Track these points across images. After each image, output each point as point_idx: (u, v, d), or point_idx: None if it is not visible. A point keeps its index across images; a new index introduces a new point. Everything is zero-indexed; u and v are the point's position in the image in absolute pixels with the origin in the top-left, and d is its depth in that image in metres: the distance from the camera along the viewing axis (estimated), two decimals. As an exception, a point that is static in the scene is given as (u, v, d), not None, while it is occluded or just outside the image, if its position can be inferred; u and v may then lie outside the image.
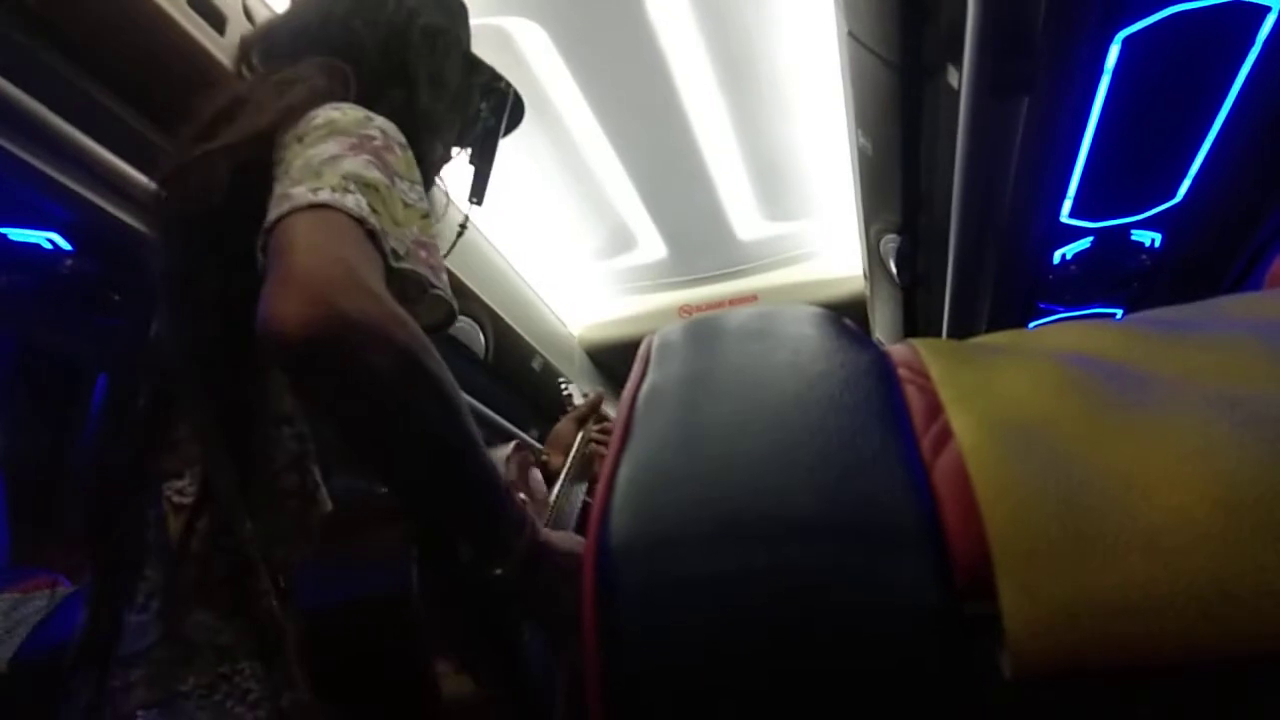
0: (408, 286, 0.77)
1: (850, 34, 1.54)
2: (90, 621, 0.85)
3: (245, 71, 1.08)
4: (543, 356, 2.75)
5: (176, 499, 0.83)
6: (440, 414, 0.71)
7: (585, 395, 1.39)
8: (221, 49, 1.38)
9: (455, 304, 0.84)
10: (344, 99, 0.92)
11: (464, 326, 2.40)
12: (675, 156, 2.33)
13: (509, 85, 1.27)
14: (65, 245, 1.59)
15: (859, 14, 1.50)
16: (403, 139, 0.88)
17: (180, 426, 0.86)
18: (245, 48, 1.09)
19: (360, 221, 0.73)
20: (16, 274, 1.60)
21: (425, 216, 0.83)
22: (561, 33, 1.91)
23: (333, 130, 0.82)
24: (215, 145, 0.86)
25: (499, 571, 0.79)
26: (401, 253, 0.76)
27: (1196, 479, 0.30)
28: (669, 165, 2.37)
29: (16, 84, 1.19)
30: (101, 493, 0.90)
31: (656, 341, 0.47)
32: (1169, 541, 0.28)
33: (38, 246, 1.58)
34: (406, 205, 0.81)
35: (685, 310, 2.88)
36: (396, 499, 0.78)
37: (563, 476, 1.29)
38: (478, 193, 1.29)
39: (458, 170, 1.25)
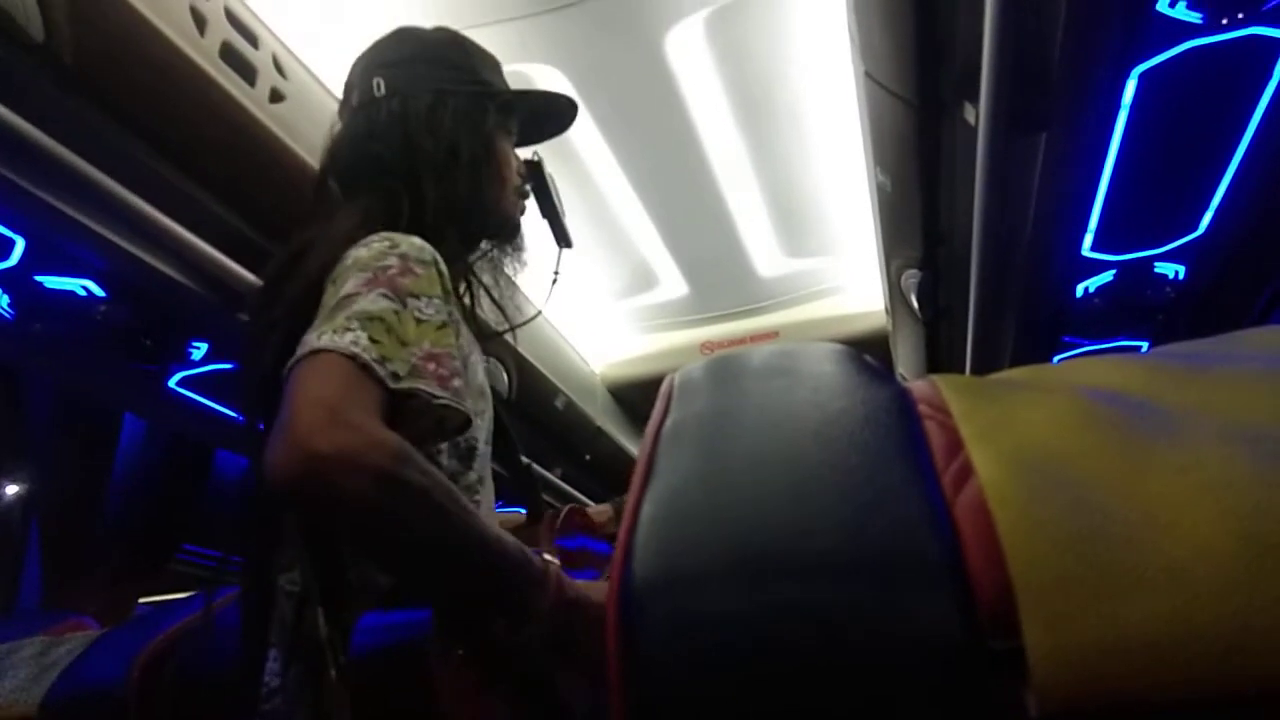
0: (415, 401, 0.85)
1: (868, 74, 1.56)
2: (241, 680, 0.98)
3: (328, 193, 1.18)
4: (566, 395, 2.76)
5: (289, 588, 0.97)
6: (428, 519, 0.78)
7: None
8: (253, 100, 1.42)
9: (467, 409, 0.91)
10: (386, 225, 1.01)
11: (489, 366, 2.41)
12: (695, 195, 2.34)
13: (537, 156, 1.34)
14: (99, 292, 1.62)
15: (876, 54, 1.51)
16: (427, 257, 0.96)
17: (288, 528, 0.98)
18: (323, 173, 1.18)
19: (352, 357, 0.81)
20: (52, 321, 1.63)
21: (441, 328, 0.91)
22: (581, 77, 1.94)
23: (358, 268, 0.92)
24: (269, 319, 0.98)
25: (528, 634, 0.85)
26: (403, 373, 0.84)
27: (1218, 514, 0.30)
28: (689, 204, 2.38)
29: (51, 135, 1.23)
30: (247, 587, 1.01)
31: (678, 380, 0.47)
32: (1191, 577, 0.28)
33: (73, 294, 1.61)
34: (420, 321, 0.89)
35: (707, 347, 2.88)
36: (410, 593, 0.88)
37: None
38: (562, 238, 1.42)
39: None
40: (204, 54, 1.32)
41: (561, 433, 2.89)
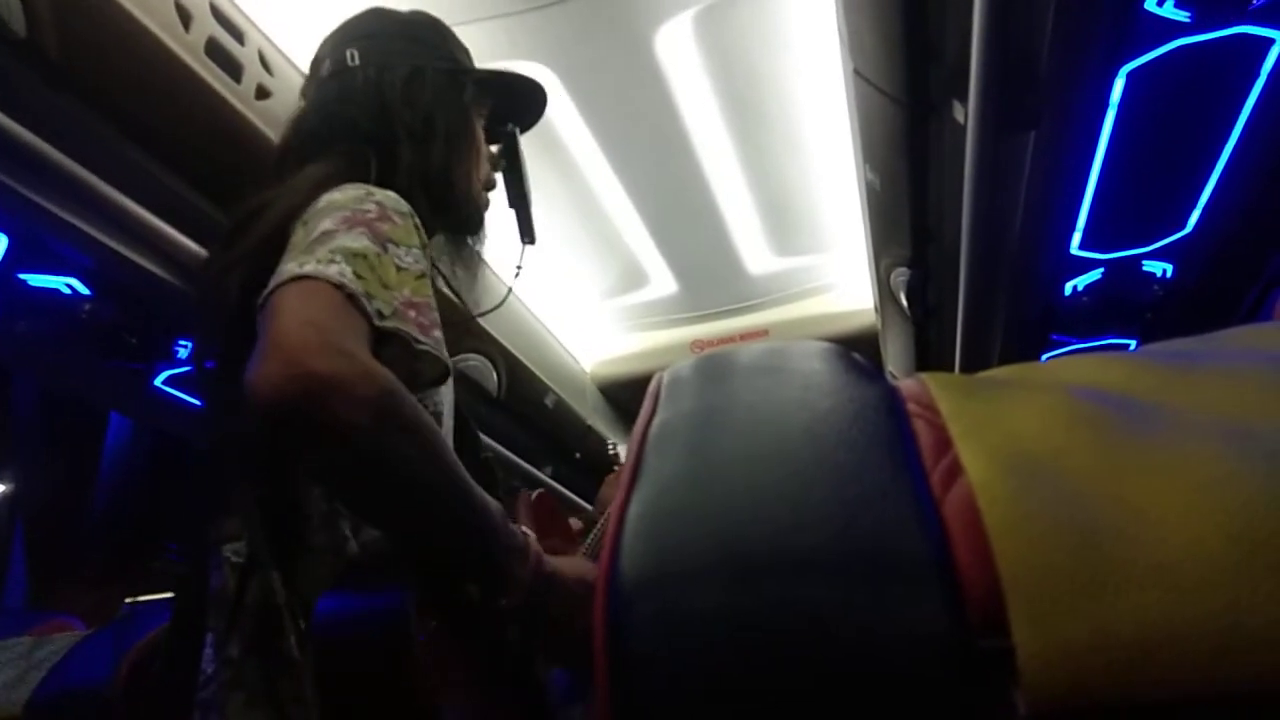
0: (395, 345, 0.82)
1: (857, 72, 1.56)
2: (172, 668, 0.93)
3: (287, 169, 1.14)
4: (555, 393, 2.76)
5: (234, 559, 0.91)
6: (419, 459, 0.75)
7: None
8: (237, 96, 1.41)
9: (447, 360, 0.88)
10: (353, 180, 0.98)
11: (477, 364, 2.41)
12: (685, 193, 2.35)
13: (513, 126, 1.30)
14: (84, 290, 1.61)
15: (865, 52, 1.51)
16: (404, 209, 0.94)
17: (233, 493, 0.94)
18: (284, 148, 1.15)
19: (339, 287, 0.78)
20: (36, 319, 1.62)
21: (420, 278, 0.89)
22: (570, 75, 1.93)
23: (332, 209, 0.89)
24: (231, 258, 0.95)
25: (504, 603, 0.82)
26: (387, 313, 0.81)
27: (1208, 512, 0.30)
28: (679, 202, 2.39)
29: (36, 132, 1.22)
30: (187, 557, 0.98)
31: (667, 378, 0.47)
32: (1181, 575, 0.28)
33: (57, 292, 1.60)
34: (400, 269, 0.86)
35: (697, 345, 2.88)
36: (393, 546, 0.84)
37: (599, 525, 1.30)
38: (526, 232, 1.37)
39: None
40: (189, 50, 1.31)
41: (551, 431, 2.89)
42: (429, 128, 1.11)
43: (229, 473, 0.94)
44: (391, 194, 0.95)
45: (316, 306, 0.76)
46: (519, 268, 1.37)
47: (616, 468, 1.42)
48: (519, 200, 1.34)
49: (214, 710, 0.87)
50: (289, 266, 0.80)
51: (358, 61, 1.13)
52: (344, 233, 0.84)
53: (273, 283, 0.79)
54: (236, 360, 0.90)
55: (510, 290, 1.42)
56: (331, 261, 0.80)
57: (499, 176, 1.29)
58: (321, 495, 0.90)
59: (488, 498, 0.82)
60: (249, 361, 0.72)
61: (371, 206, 0.90)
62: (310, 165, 1.03)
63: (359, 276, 0.80)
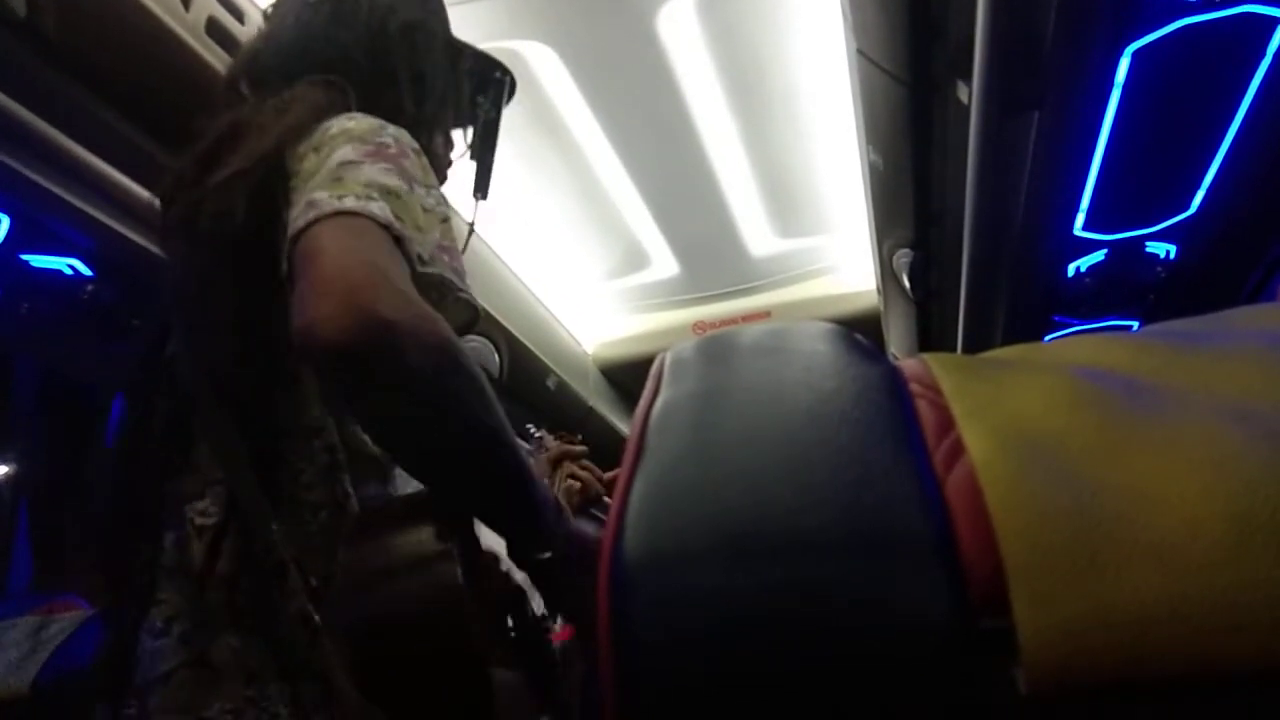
0: (432, 291, 0.78)
1: (860, 51, 1.55)
2: (106, 649, 0.84)
3: (238, 98, 1.05)
4: (558, 375, 2.76)
5: (199, 520, 0.83)
6: (479, 406, 0.73)
7: (556, 438, 1.33)
8: (238, 76, 1.40)
9: (479, 305, 0.85)
10: (346, 111, 0.93)
11: (478, 346, 2.41)
12: (687, 174, 2.34)
13: (504, 72, 1.25)
14: (86, 271, 1.61)
15: (868, 32, 1.50)
16: (415, 144, 0.89)
17: (199, 448, 0.86)
18: (232, 76, 1.08)
19: (386, 227, 0.74)
20: (38, 301, 1.62)
21: (445, 220, 0.84)
22: (573, 55, 1.92)
23: (349, 137, 0.84)
24: (227, 172, 0.86)
25: (547, 555, 0.80)
26: (426, 257, 0.77)
27: (1208, 492, 0.30)
28: (681, 183, 2.38)
29: (37, 113, 1.21)
30: (118, 517, 0.91)
31: (669, 359, 0.47)
32: (1181, 554, 0.28)
33: (59, 273, 1.60)
34: (426, 210, 0.82)
35: (699, 327, 2.88)
36: (437, 496, 0.79)
37: None
38: (481, 187, 1.28)
39: (460, 167, 1.24)
40: (189, 29, 1.31)
41: (553, 413, 2.89)
42: (423, 83, 1.07)
43: (200, 421, 0.86)
44: (401, 129, 0.89)
45: (368, 244, 0.72)
46: (471, 225, 1.26)
47: (541, 450, 1.31)
48: (485, 153, 1.26)
49: (162, 693, 0.78)
50: (323, 196, 0.75)
51: None
52: (369, 165, 0.79)
53: (310, 214, 0.74)
54: (216, 285, 0.84)
55: (471, 228, 1.27)
56: (370, 198, 0.75)
57: (463, 141, 1.24)
58: (324, 448, 0.84)
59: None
60: (293, 298, 0.68)
61: (390, 140, 0.85)
62: (294, 88, 0.95)
63: (398, 218, 0.76)
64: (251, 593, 0.78)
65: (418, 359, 0.67)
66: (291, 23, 1.07)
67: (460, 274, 0.82)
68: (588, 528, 0.88)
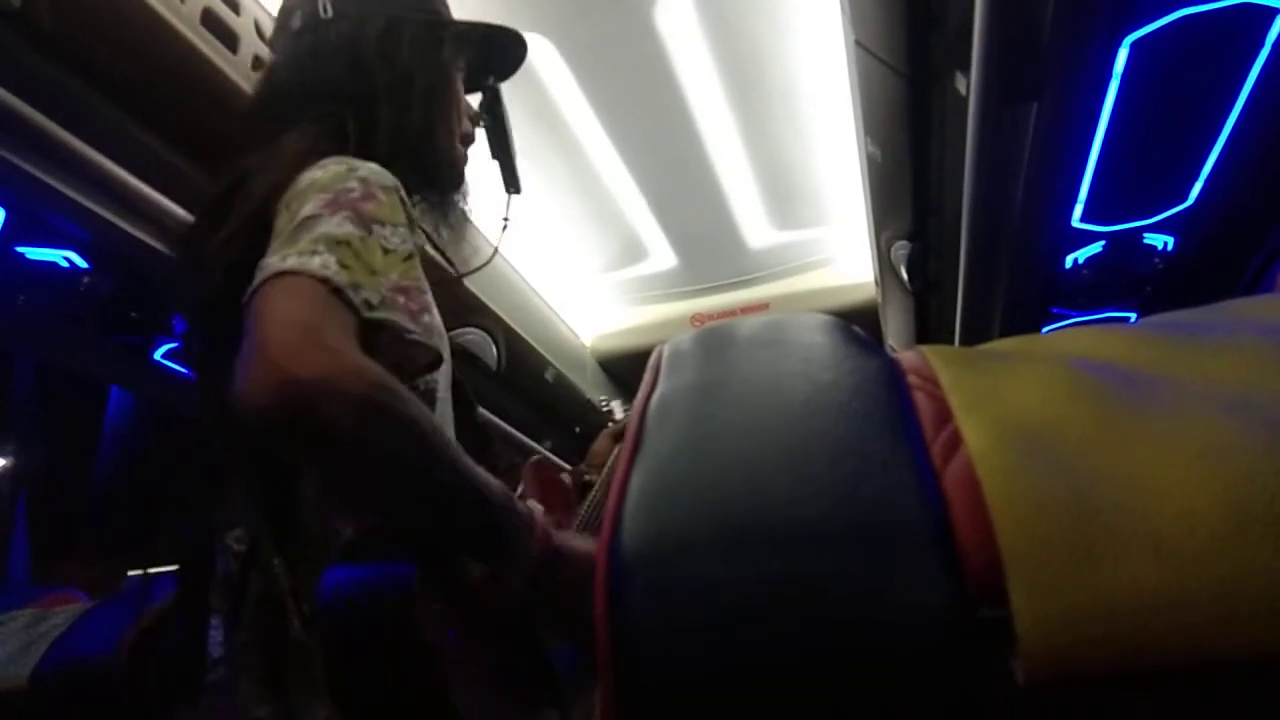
0: (385, 335, 0.81)
1: (858, 42, 1.54)
2: (180, 649, 0.95)
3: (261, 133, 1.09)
4: (555, 367, 2.76)
5: (236, 547, 0.91)
6: (415, 451, 0.74)
7: (627, 410, 1.38)
8: (234, 67, 1.40)
9: (439, 346, 0.88)
10: (335, 151, 0.95)
11: (476, 338, 2.41)
12: (684, 166, 2.33)
13: (494, 80, 1.26)
14: (82, 263, 1.60)
15: (866, 22, 1.50)
16: (389, 182, 0.91)
17: (233, 480, 0.94)
18: (251, 113, 1.11)
19: (324, 280, 0.76)
20: (34, 293, 1.62)
21: (408, 258, 0.87)
22: (570, 46, 1.92)
23: (315, 189, 0.87)
24: (215, 241, 0.92)
25: (513, 581, 0.81)
26: (375, 302, 0.80)
27: (1206, 482, 0.30)
28: (678, 175, 2.37)
29: (32, 104, 1.21)
30: (187, 536, 0.99)
31: (667, 351, 0.47)
32: (1178, 545, 0.28)
33: (55, 265, 1.59)
34: (387, 251, 0.84)
35: (697, 319, 2.88)
36: (395, 533, 0.83)
37: (595, 490, 1.30)
38: (511, 183, 1.33)
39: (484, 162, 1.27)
40: (185, 20, 1.30)
41: (551, 405, 2.89)
42: (406, 85, 1.07)
43: (223, 459, 0.94)
44: (375, 167, 0.92)
45: (299, 304, 0.75)
46: (505, 220, 1.32)
47: (612, 423, 1.37)
48: (502, 152, 1.31)
49: (224, 693, 0.88)
50: (272, 260, 0.79)
51: (330, 14, 1.08)
52: (327, 218, 0.82)
53: (257, 278, 0.78)
54: (223, 347, 0.88)
55: (496, 250, 1.37)
56: (314, 253, 0.78)
57: (480, 130, 1.26)
58: (312, 484, 0.89)
59: (489, 479, 0.81)
60: (237, 362, 0.72)
61: (354, 185, 0.88)
62: (288, 132, 1.00)
63: (344, 266, 0.78)
64: (251, 620, 0.86)
65: (339, 413, 0.69)
66: (282, 60, 1.11)
67: (416, 315, 0.85)
68: (589, 543, 0.89)
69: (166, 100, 1.35)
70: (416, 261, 0.89)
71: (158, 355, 1.87)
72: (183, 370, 1.91)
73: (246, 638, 0.88)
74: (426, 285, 0.94)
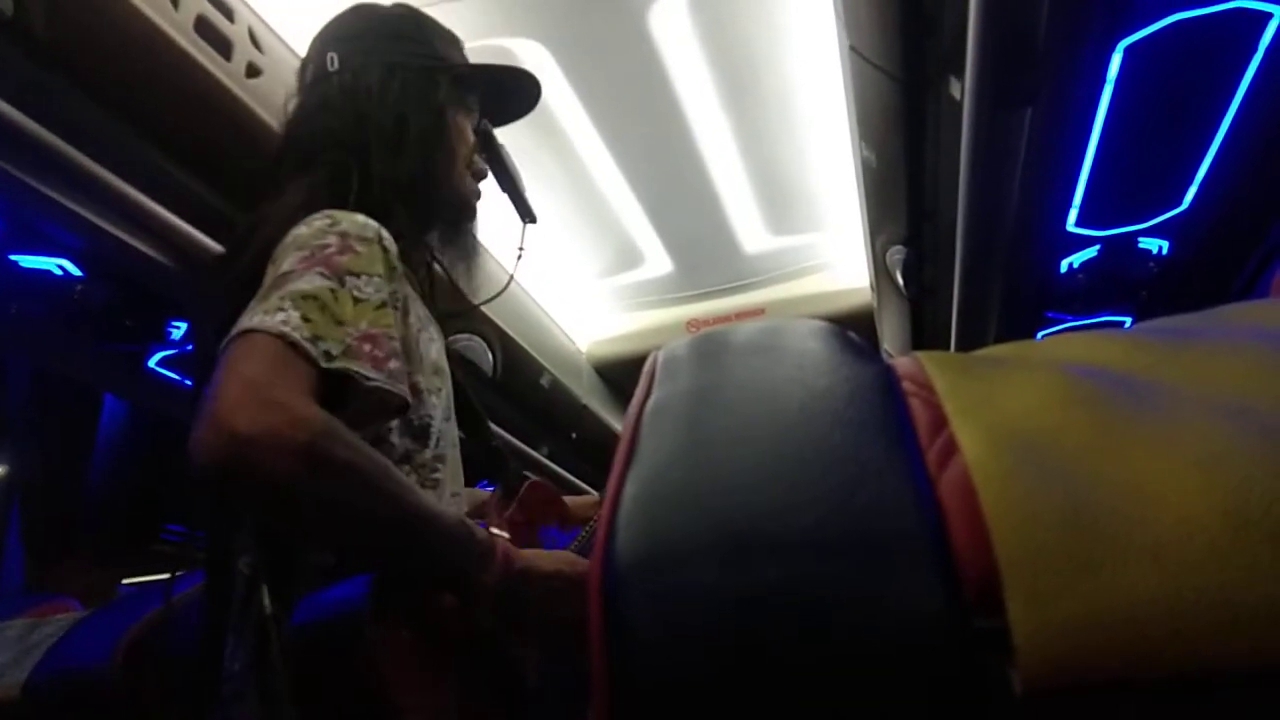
0: (350, 383, 0.84)
1: (853, 48, 1.55)
2: (202, 663, 0.98)
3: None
4: (551, 373, 2.75)
5: (245, 571, 0.96)
6: (356, 495, 0.78)
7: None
8: (228, 74, 1.40)
9: (402, 392, 0.89)
10: (335, 202, 1.00)
11: (472, 345, 2.41)
12: (680, 172, 2.33)
13: (484, 123, 1.29)
14: (75, 271, 1.60)
15: (861, 28, 1.50)
16: (369, 233, 0.95)
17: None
18: (277, 161, 1.16)
19: (280, 336, 0.80)
20: (27, 301, 1.61)
21: (380, 307, 0.90)
22: (565, 52, 1.92)
23: (296, 246, 0.91)
24: (220, 289, 0.98)
25: (474, 605, 0.85)
26: (335, 353, 0.83)
27: (1204, 490, 0.29)
28: (674, 181, 2.37)
29: (26, 112, 1.20)
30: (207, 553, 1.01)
31: (662, 357, 0.47)
32: (1177, 553, 0.28)
33: (48, 273, 1.59)
34: (358, 301, 0.88)
35: (692, 325, 2.88)
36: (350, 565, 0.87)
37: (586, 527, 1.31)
38: (524, 213, 1.38)
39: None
40: (178, 28, 1.30)
41: (547, 411, 2.89)
42: (401, 129, 1.12)
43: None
44: (358, 219, 0.96)
45: (253, 361, 0.79)
46: (520, 250, 1.39)
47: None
48: (509, 186, 1.35)
49: (238, 704, 0.92)
50: (242, 319, 0.83)
51: (336, 66, 1.14)
52: (300, 275, 0.86)
53: (227, 336, 0.82)
54: None
55: (511, 278, 1.43)
56: (279, 310, 0.82)
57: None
58: None
59: (442, 513, 0.85)
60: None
61: (332, 240, 0.92)
62: (294, 182, 1.06)
63: (306, 320, 0.82)
64: (250, 641, 0.91)
65: (278, 465, 0.73)
66: (296, 112, 1.17)
67: (382, 361, 0.87)
68: (560, 558, 0.92)
69: (160, 107, 1.35)
70: (391, 310, 0.92)
71: (152, 363, 1.87)
72: (177, 378, 1.91)
73: (247, 655, 0.92)
74: (412, 328, 0.99)
